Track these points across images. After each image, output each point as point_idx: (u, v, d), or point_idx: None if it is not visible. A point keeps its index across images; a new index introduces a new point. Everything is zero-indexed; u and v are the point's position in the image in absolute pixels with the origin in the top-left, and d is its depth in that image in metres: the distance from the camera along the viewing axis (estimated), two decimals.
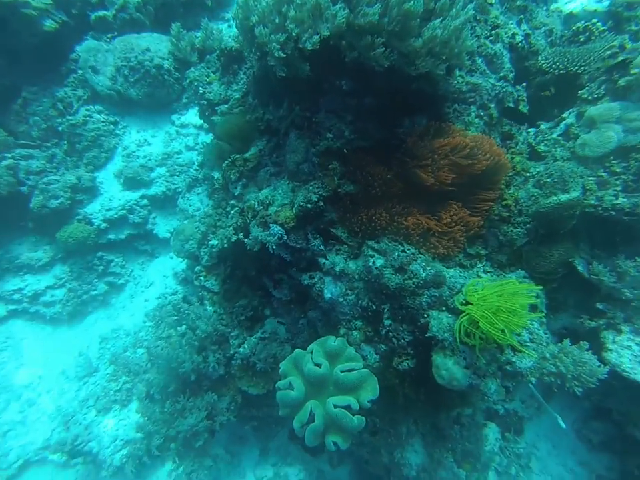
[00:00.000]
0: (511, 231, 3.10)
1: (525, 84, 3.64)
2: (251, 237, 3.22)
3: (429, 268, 2.78)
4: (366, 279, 2.93)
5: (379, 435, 3.23)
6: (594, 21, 3.82)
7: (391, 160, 3.03)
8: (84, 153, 6.01)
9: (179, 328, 4.05)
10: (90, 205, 5.81)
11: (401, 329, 2.86)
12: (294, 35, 2.49)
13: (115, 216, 5.80)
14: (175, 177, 6.48)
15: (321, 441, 2.55)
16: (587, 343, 2.80)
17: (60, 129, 6.02)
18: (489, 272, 3.08)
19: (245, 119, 3.71)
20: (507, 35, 3.57)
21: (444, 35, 2.52)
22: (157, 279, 6.15)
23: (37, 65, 6.13)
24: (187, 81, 5.17)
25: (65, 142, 6.04)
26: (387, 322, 2.92)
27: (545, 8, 4.16)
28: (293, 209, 3.11)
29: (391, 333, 2.90)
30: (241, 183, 3.66)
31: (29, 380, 5.22)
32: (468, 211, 3.06)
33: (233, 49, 4.10)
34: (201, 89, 4.88)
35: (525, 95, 3.62)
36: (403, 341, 2.86)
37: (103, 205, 5.80)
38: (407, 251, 2.86)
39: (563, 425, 3.22)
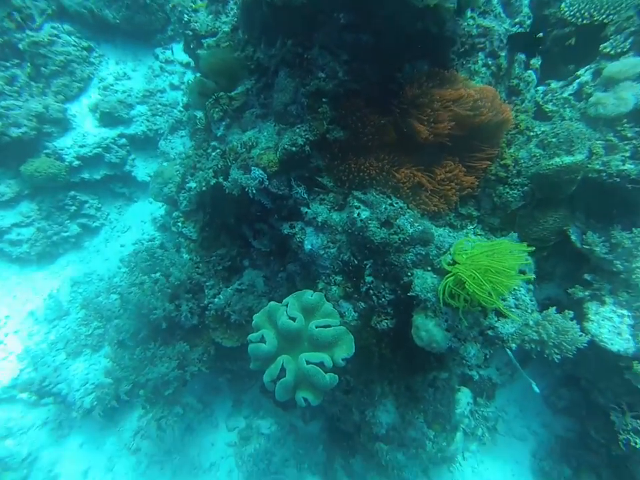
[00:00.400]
0: (507, 192, 2.93)
1: (541, 34, 3.33)
2: (230, 180, 2.98)
3: (416, 224, 2.60)
4: (349, 231, 2.75)
5: (352, 393, 3.19)
6: None
7: (386, 107, 2.76)
8: (52, 79, 5.40)
9: (152, 275, 3.89)
10: (60, 139, 5.35)
11: (383, 286, 2.72)
12: None
13: (90, 154, 5.40)
14: (157, 117, 6.08)
15: (291, 396, 2.48)
16: (571, 312, 2.73)
17: (20, 46, 5.23)
18: (479, 234, 2.94)
19: (234, 55, 3.35)
20: None
21: None
22: (135, 224, 5.89)
23: None
24: (170, 5, 4.65)
25: (28, 63, 5.31)
26: (368, 279, 2.77)
27: None
28: (277, 153, 2.87)
29: (371, 291, 2.76)
30: (224, 123, 3.39)
31: None
32: (464, 168, 2.86)
33: None
34: (185, 16, 4.41)
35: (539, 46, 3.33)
36: (383, 299, 2.73)
37: (76, 141, 5.37)
38: (395, 205, 2.66)
39: (537, 390, 3.26)
